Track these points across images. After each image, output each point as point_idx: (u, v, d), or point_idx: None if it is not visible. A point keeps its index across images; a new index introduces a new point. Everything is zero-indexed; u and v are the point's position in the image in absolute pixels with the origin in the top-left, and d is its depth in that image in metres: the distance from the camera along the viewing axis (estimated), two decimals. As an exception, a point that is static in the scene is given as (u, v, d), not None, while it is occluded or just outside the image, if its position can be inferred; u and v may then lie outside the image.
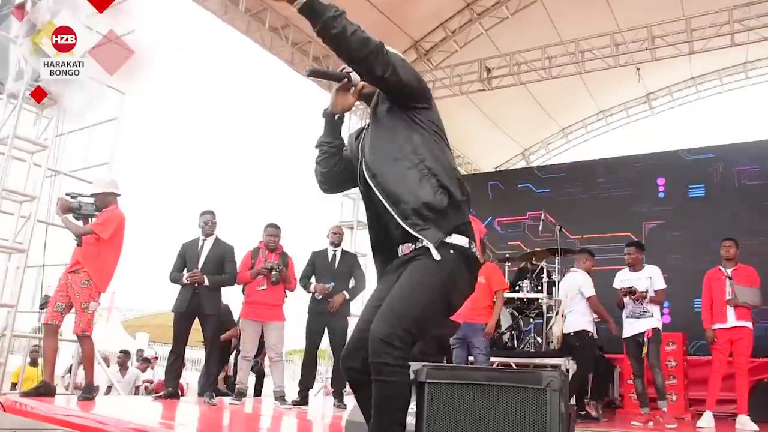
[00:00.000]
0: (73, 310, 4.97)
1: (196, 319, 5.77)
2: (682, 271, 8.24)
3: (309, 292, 6.26)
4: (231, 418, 5.06)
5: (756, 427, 5.60)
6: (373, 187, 2.15)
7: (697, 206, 9.22)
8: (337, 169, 2.34)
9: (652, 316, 5.97)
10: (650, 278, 6.07)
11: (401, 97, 2.17)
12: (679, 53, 9.04)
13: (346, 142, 2.41)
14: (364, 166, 2.21)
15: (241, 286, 6.16)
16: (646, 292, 5.98)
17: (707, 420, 5.79)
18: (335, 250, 6.50)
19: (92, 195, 5.23)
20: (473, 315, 6.03)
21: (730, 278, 6.04)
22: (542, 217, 9.13)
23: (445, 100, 11.09)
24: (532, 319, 7.78)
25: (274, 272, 5.92)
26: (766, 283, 6.27)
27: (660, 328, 6.01)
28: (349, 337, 2.25)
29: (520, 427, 1.74)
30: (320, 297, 6.16)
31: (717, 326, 6.00)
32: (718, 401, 6.03)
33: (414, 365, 1.97)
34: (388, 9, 9.78)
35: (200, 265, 5.74)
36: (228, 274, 5.83)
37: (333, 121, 2.33)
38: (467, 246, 2.08)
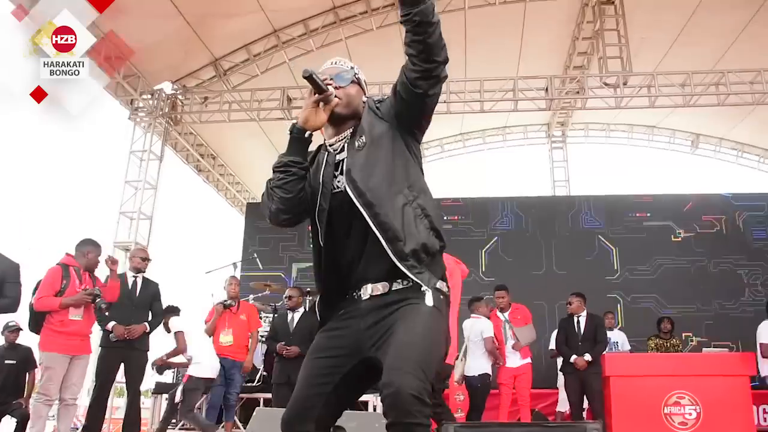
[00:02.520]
0: None
1: None
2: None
3: (104, 329, 5.48)
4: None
5: (540, 454, 6.22)
6: (368, 218, 1.89)
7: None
8: (302, 196, 2.02)
9: None
10: None
11: (420, 117, 2.02)
12: (470, 110, 9.94)
13: None
14: (353, 192, 1.93)
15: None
16: None
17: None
18: (135, 277, 5.77)
19: None
20: (235, 352, 6.46)
21: (508, 322, 6.67)
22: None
23: (233, 125, 10.76)
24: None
25: (99, 300, 5.02)
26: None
27: None
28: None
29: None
30: (115, 339, 5.40)
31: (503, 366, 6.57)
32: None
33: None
34: (194, 19, 9.15)
35: (-30, 285, 4.58)
36: (9, 298, 4.73)
37: (303, 138, 2.03)
38: (447, 291, 1.98)
